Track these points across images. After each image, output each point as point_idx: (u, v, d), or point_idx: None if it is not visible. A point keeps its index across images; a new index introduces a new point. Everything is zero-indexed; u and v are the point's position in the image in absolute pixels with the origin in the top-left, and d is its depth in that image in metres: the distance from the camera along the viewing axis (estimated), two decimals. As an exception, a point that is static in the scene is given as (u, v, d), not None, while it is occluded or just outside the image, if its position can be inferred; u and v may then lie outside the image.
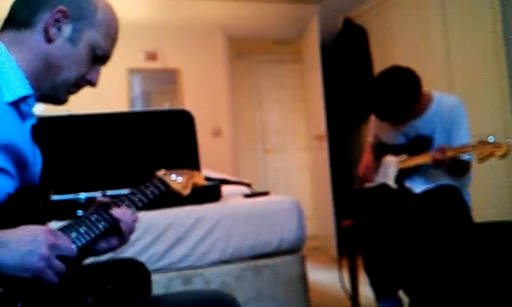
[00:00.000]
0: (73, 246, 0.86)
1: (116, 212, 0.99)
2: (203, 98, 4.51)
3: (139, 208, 1.06)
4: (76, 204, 2.04)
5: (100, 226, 0.94)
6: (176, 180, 1.19)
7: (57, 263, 0.80)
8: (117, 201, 1.04)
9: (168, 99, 4.51)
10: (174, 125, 2.44)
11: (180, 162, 2.35)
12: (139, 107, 4.44)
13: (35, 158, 1.01)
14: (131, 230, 1.01)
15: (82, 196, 2.08)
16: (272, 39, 5.24)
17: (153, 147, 2.37)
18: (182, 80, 4.52)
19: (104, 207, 1.00)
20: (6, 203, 0.88)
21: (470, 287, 1.80)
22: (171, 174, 1.20)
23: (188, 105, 4.22)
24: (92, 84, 1.03)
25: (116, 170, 2.27)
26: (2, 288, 0.77)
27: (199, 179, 1.26)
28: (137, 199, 1.06)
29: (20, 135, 0.93)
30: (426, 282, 1.89)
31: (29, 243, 0.78)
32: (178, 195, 1.18)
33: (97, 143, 2.30)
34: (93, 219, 0.94)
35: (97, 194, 2.09)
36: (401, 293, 2.03)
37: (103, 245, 0.99)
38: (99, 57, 1.01)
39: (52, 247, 0.80)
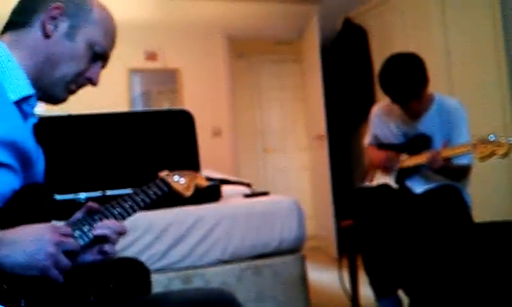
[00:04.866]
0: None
1: (100, 227, 0.94)
2: (203, 98, 4.50)
3: (141, 208, 1.06)
4: (76, 204, 2.04)
5: (82, 242, 0.91)
6: (179, 181, 1.20)
7: (64, 259, 0.82)
8: (106, 209, 0.99)
9: (167, 99, 4.51)
10: (174, 125, 2.44)
11: (180, 162, 2.36)
12: (139, 107, 4.44)
13: (38, 157, 1.02)
14: (115, 242, 0.96)
15: (82, 196, 2.08)
16: (272, 40, 5.24)
17: (153, 147, 2.37)
18: (182, 80, 4.52)
19: (90, 217, 0.96)
20: (12, 201, 0.89)
21: (469, 287, 1.80)
22: (173, 175, 1.21)
23: (188, 105, 4.21)
24: (93, 82, 1.03)
25: (116, 170, 2.27)
26: (6, 284, 0.78)
27: (201, 180, 1.27)
28: (139, 199, 1.06)
29: (23, 133, 0.94)
30: (426, 282, 1.89)
31: (35, 242, 0.79)
32: (180, 196, 1.19)
33: (97, 143, 2.30)
34: (85, 229, 0.92)
35: (97, 194, 2.09)
36: (401, 293, 2.03)
37: (87, 257, 0.95)
38: (99, 55, 1.02)
39: (58, 244, 0.81)
